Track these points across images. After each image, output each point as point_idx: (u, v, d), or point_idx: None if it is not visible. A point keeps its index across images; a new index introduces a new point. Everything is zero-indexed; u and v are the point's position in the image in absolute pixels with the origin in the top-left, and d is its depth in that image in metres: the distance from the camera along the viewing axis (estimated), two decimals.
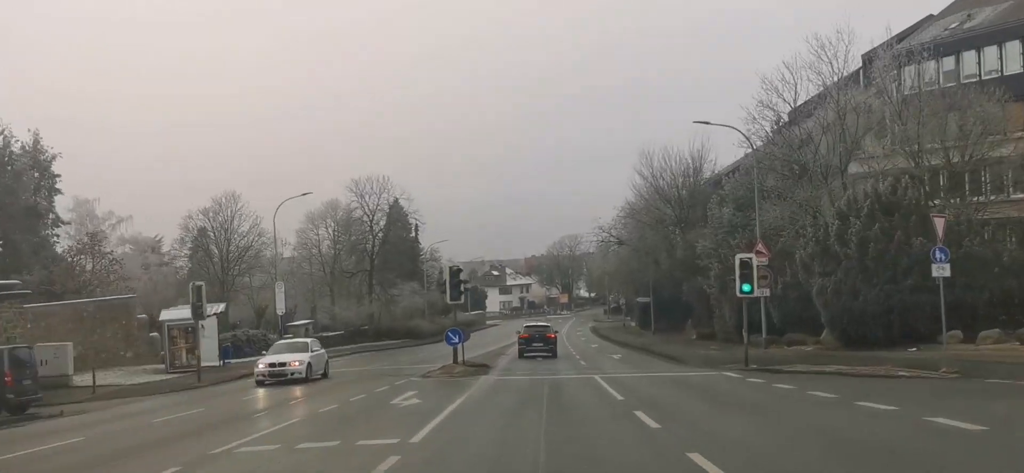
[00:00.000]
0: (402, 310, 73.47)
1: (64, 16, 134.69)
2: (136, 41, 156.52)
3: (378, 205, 77.78)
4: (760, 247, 34.30)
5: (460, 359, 32.38)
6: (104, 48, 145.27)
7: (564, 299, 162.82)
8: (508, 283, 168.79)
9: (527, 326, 44.87)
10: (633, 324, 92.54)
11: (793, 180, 39.64)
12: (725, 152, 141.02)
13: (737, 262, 29.83)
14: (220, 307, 47.58)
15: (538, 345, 40.39)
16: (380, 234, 78.11)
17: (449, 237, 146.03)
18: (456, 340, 32.59)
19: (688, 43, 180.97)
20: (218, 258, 65.08)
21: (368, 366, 40.95)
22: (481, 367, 32.98)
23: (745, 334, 31.48)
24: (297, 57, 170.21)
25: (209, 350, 40.25)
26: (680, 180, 64.28)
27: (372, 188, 77.87)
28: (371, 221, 77.82)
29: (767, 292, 34.10)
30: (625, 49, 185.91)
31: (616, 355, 44.20)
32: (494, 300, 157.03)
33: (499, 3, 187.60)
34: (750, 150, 41.14)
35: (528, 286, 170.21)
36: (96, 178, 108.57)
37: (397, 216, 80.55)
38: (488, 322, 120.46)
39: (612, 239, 71.57)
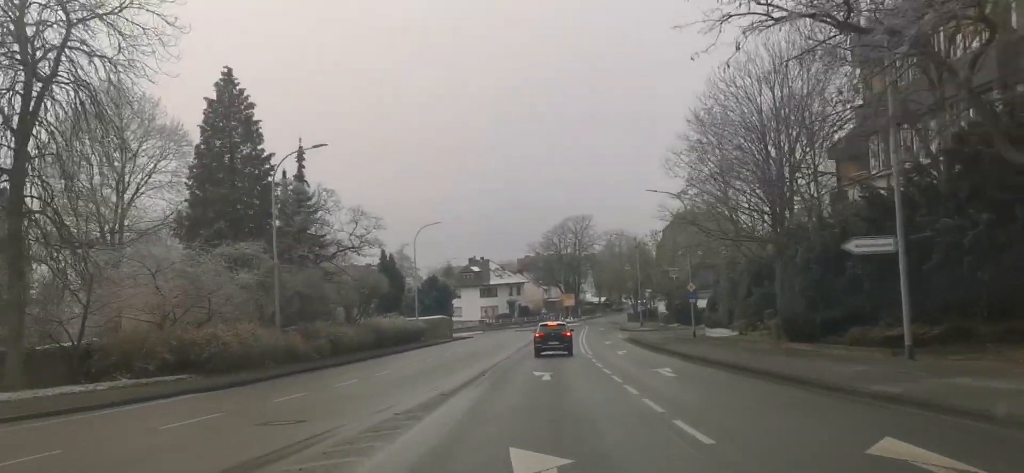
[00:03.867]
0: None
1: None
2: None
3: None
4: None
5: None
6: None
7: (568, 301, 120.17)
8: (492, 282, 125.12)
9: (542, 326, 42.96)
10: (710, 333, 50.17)
11: None
12: None
13: None
14: None
15: (554, 344, 39.38)
16: (59, 72, 26.15)
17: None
18: None
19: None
20: None
21: None
22: None
23: None
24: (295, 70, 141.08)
25: None
26: None
27: None
28: (32, 55, 25.34)
29: None
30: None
31: None
32: (472, 304, 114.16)
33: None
34: None
35: (519, 286, 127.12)
36: None
37: (225, 104, 37.61)
38: (457, 334, 78.04)
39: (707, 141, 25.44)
